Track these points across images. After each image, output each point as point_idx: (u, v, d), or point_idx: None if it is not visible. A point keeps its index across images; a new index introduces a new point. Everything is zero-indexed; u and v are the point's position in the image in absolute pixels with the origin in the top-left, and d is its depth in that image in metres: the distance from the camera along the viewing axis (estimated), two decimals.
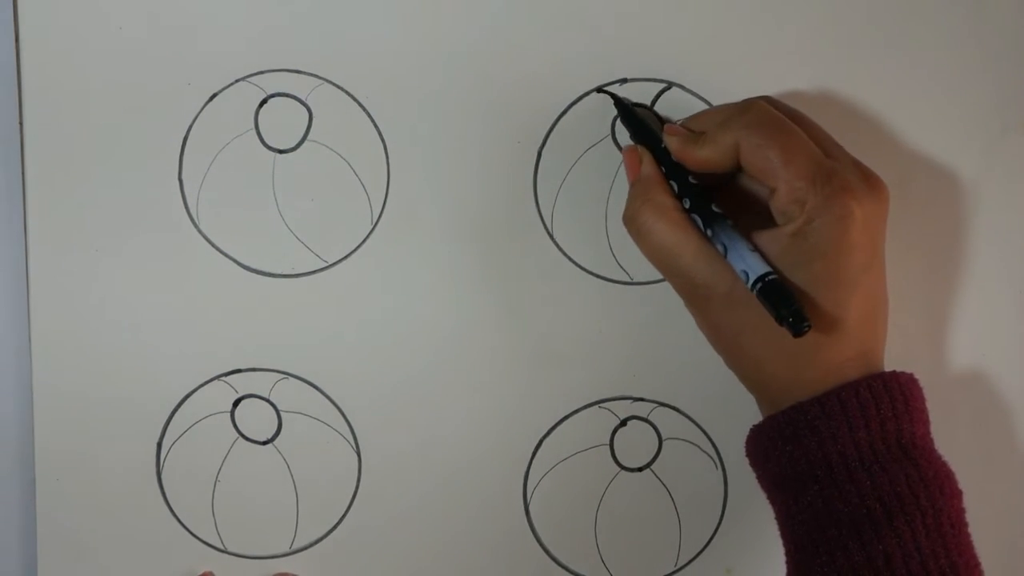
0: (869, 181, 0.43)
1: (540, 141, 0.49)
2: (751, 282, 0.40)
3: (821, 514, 0.42)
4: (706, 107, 0.49)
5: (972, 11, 0.49)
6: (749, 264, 0.41)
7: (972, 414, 0.52)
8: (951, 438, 0.51)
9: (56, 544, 0.51)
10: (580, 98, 0.49)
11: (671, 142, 0.45)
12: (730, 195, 0.45)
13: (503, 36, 0.48)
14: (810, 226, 0.41)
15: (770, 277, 0.40)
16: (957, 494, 0.42)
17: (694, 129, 0.45)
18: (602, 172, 0.49)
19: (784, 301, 0.39)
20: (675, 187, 0.44)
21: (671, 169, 0.45)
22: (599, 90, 0.48)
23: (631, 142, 0.47)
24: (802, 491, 0.42)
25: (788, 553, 0.44)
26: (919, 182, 0.50)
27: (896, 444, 0.42)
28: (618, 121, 0.49)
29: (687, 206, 0.44)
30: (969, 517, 0.43)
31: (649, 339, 0.51)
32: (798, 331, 0.39)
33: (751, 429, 0.45)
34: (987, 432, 0.52)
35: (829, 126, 0.49)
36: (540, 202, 0.50)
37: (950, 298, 0.51)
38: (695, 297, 0.44)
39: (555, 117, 0.49)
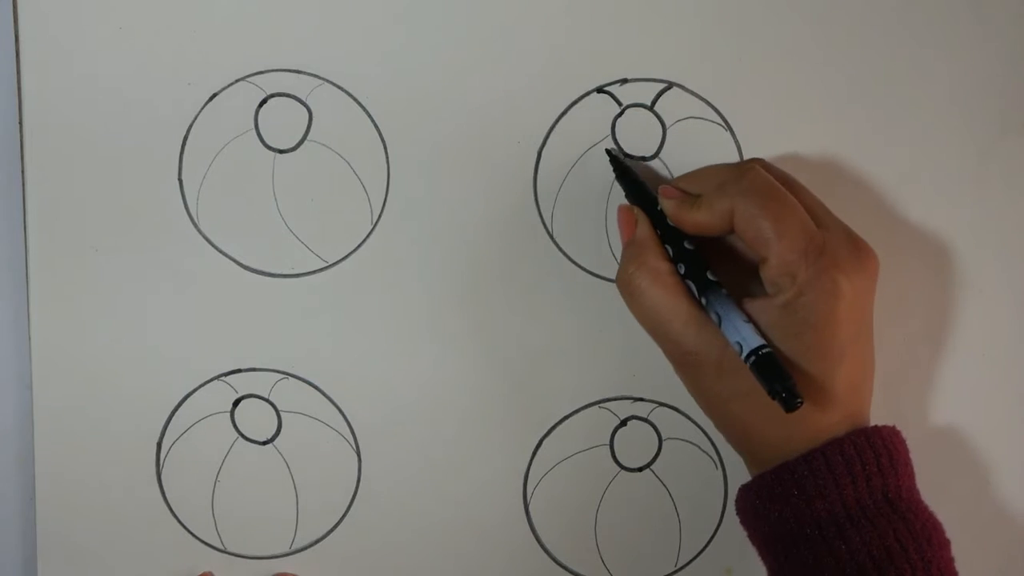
0: (859, 253, 0.43)
1: (540, 141, 0.49)
2: (745, 354, 0.41)
3: (812, 573, 0.42)
4: (705, 105, 0.49)
5: (972, 11, 0.49)
6: (743, 336, 0.41)
7: (973, 414, 0.52)
8: (959, 445, 0.51)
9: (56, 544, 0.51)
10: (580, 98, 0.49)
11: (667, 205, 0.45)
12: (718, 248, 0.46)
13: (503, 36, 0.48)
14: (800, 300, 0.41)
15: (764, 351, 0.40)
16: (945, 544, 0.43)
17: (689, 189, 0.45)
18: (602, 172, 0.49)
19: (778, 376, 0.40)
20: (670, 251, 0.45)
21: (666, 232, 0.45)
22: (607, 151, 0.49)
23: (625, 201, 0.48)
24: (792, 550, 0.43)
25: None
26: (919, 182, 0.50)
27: (883, 498, 0.42)
28: (618, 121, 0.49)
29: (682, 272, 0.44)
30: (960, 566, 0.43)
31: (649, 339, 0.51)
32: (791, 407, 0.39)
33: (740, 489, 0.46)
34: (987, 434, 0.52)
35: (829, 127, 0.49)
36: (540, 202, 0.50)
37: (950, 298, 0.51)
38: (685, 363, 0.44)
39: (555, 117, 0.49)
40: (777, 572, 0.44)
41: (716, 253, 0.46)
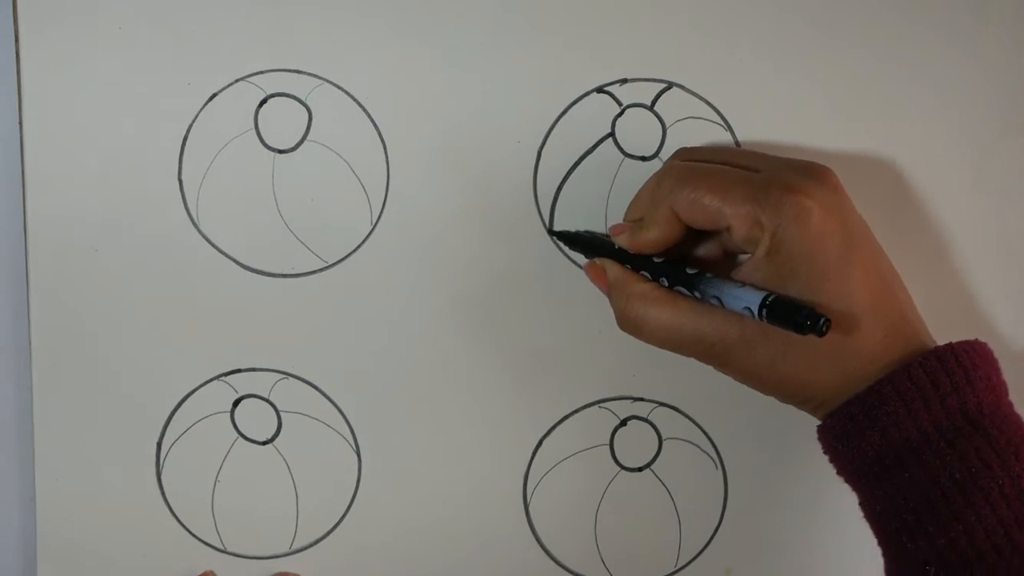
0: (808, 171, 0.43)
1: (540, 141, 0.49)
2: (756, 312, 0.40)
3: (898, 502, 0.41)
4: (705, 105, 0.49)
5: (972, 11, 0.49)
6: (745, 298, 0.41)
7: None
8: None
9: (56, 544, 0.51)
10: (580, 98, 0.49)
11: (621, 240, 0.46)
12: (694, 256, 0.46)
13: (503, 36, 0.48)
14: (775, 238, 0.41)
15: (769, 299, 0.40)
16: None
17: (634, 217, 0.46)
18: (602, 172, 0.49)
19: (794, 311, 0.39)
20: (648, 276, 0.45)
21: (635, 263, 0.46)
22: (550, 232, 0.50)
23: (587, 262, 0.48)
24: (876, 481, 0.42)
25: (879, 543, 0.43)
26: (919, 182, 0.50)
27: (962, 417, 0.41)
28: (618, 121, 0.49)
29: (667, 284, 0.44)
30: None
31: None
32: (820, 330, 0.39)
33: (818, 429, 0.45)
34: None
35: (828, 126, 0.49)
36: (540, 202, 0.50)
37: (950, 298, 0.51)
38: (717, 356, 0.44)
39: (555, 117, 0.49)
40: (867, 506, 0.44)
41: (693, 260, 0.46)
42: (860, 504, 0.44)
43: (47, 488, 0.51)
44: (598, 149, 0.49)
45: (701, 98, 0.49)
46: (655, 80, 0.49)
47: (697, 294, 0.43)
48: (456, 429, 0.51)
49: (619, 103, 0.49)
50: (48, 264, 0.49)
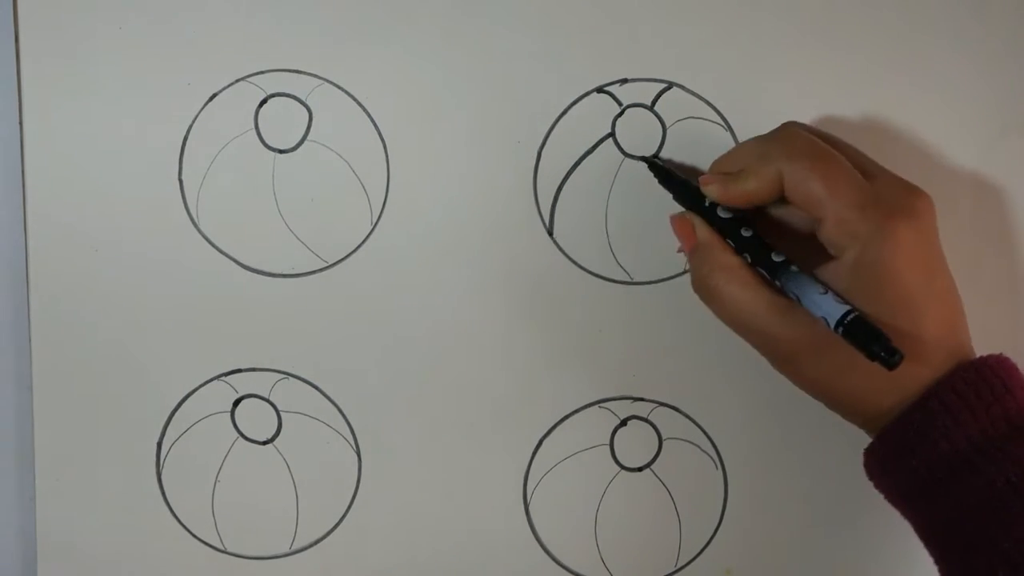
0: (911, 196, 0.42)
1: (540, 141, 0.49)
2: (834, 325, 0.40)
3: (956, 514, 0.41)
4: (705, 105, 0.49)
5: (972, 11, 0.49)
6: (826, 308, 0.40)
7: None
8: None
9: (56, 544, 0.51)
10: (580, 98, 0.49)
11: (711, 191, 0.44)
12: (774, 227, 0.45)
13: (503, 36, 0.48)
14: (866, 256, 0.41)
15: (850, 316, 0.39)
16: None
17: (729, 169, 0.45)
18: (602, 172, 0.49)
19: (872, 338, 0.39)
20: (733, 245, 0.44)
21: (724, 229, 0.44)
22: (644, 159, 0.49)
23: (675, 212, 0.47)
24: (931, 499, 0.42)
25: (940, 564, 0.43)
26: (919, 182, 0.50)
27: (1005, 424, 0.41)
28: (618, 121, 0.49)
29: (749, 261, 0.43)
30: None
31: (649, 339, 0.51)
32: (892, 364, 0.38)
33: (865, 453, 0.45)
34: None
35: (828, 127, 0.49)
36: (540, 202, 0.50)
37: None
38: (780, 356, 0.44)
39: (555, 117, 0.49)
40: (924, 527, 0.43)
41: (773, 232, 0.45)
42: (916, 528, 0.44)
43: (47, 488, 0.51)
44: (598, 149, 0.49)
45: (701, 98, 0.49)
46: (655, 80, 0.49)
47: (777, 283, 0.42)
48: (456, 429, 0.51)
49: (619, 103, 0.49)
50: (48, 264, 0.49)
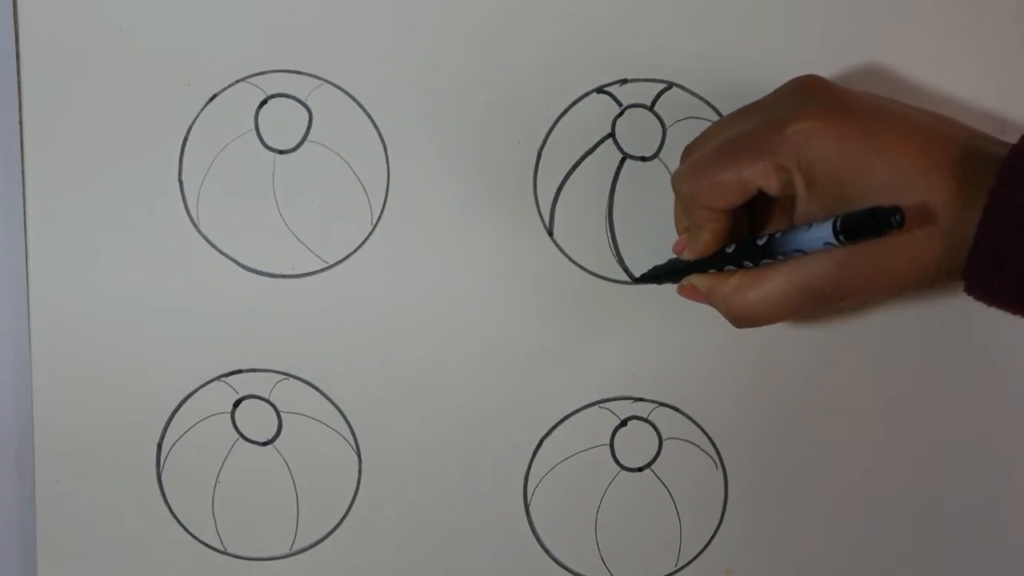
0: (787, 95, 0.43)
1: (540, 141, 0.49)
2: (835, 240, 0.39)
3: None
4: (705, 105, 0.49)
5: (972, 11, 0.49)
6: (819, 235, 0.40)
7: (974, 415, 0.52)
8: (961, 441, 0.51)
9: (56, 545, 0.51)
10: (580, 98, 0.49)
11: (685, 255, 0.46)
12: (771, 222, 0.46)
13: (503, 36, 0.48)
14: (804, 170, 0.41)
15: (838, 222, 0.39)
16: None
17: (681, 228, 0.47)
18: (602, 172, 0.50)
19: (864, 220, 0.38)
20: (734, 268, 0.45)
21: (716, 265, 0.45)
22: (634, 281, 0.50)
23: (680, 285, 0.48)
24: None
25: None
26: None
27: None
28: (618, 121, 0.49)
29: (752, 265, 0.44)
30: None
31: (649, 339, 0.51)
32: (900, 223, 0.38)
33: (968, 291, 0.42)
34: (986, 434, 0.52)
35: None
36: (540, 202, 0.50)
37: (950, 298, 0.51)
38: (831, 297, 0.43)
39: (555, 117, 0.49)
40: None
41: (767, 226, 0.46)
42: None
43: (47, 488, 0.51)
44: (598, 149, 0.49)
45: (701, 98, 0.49)
46: (655, 80, 0.49)
47: (780, 256, 0.43)
48: (456, 429, 0.51)
49: (619, 103, 0.49)
50: (48, 264, 0.49)
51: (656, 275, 0.49)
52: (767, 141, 0.41)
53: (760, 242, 0.43)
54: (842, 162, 0.41)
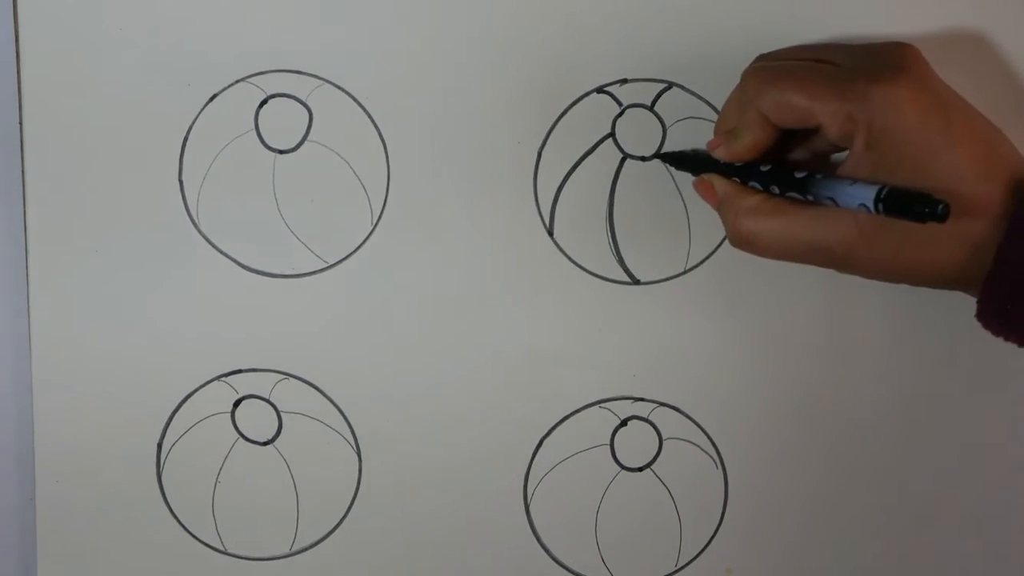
0: (892, 56, 0.42)
1: (540, 141, 0.49)
2: (873, 207, 0.39)
3: None
4: (705, 105, 0.49)
5: (972, 11, 0.49)
6: (859, 195, 0.40)
7: (973, 417, 0.52)
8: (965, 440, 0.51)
9: (56, 544, 0.51)
10: (580, 98, 0.49)
11: (718, 153, 0.45)
12: (805, 162, 0.46)
13: (503, 36, 0.48)
14: (871, 131, 0.40)
15: (884, 191, 0.39)
16: None
17: (726, 128, 0.45)
18: (602, 172, 0.50)
19: (912, 200, 0.38)
20: (758, 187, 0.44)
21: (743, 175, 0.45)
22: (656, 156, 0.49)
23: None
24: None
25: None
26: None
27: None
28: (618, 121, 0.49)
29: (777, 192, 0.43)
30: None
31: (649, 339, 0.51)
32: (942, 216, 0.38)
33: (979, 316, 0.42)
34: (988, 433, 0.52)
35: None
36: (540, 202, 0.50)
37: (951, 298, 0.51)
38: (838, 259, 0.43)
39: (555, 117, 0.49)
40: None
41: (794, 164, 0.46)
42: None
43: (47, 488, 0.51)
44: (598, 149, 0.49)
45: (701, 98, 0.49)
46: (655, 80, 0.49)
47: (810, 197, 0.42)
48: (456, 429, 0.51)
49: (619, 103, 0.49)
50: (48, 263, 0.49)
51: (677, 158, 0.48)
52: (852, 87, 0.41)
53: (799, 175, 0.42)
54: (911, 139, 0.40)
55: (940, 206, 0.37)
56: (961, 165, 0.41)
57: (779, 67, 0.44)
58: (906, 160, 0.40)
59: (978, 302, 0.42)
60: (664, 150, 0.49)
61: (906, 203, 0.38)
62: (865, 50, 0.43)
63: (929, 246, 0.41)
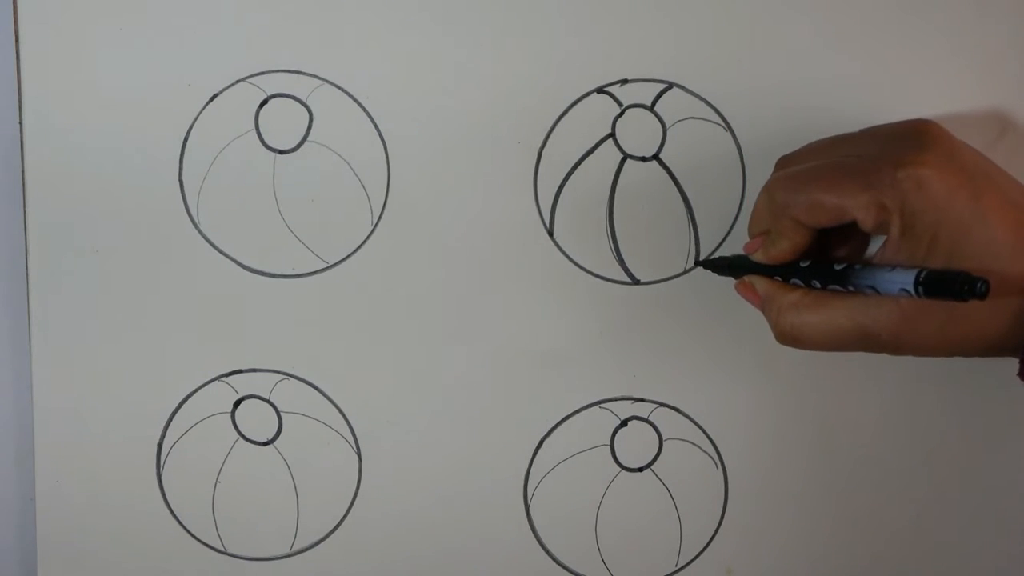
0: (910, 135, 0.42)
1: (540, 141, 0.49)
2: (913, 291, 0.40)
3: None
4: (705, 105, 0.49)
5: (972, 11, 0.49)
6: (899, 280, 0.40)
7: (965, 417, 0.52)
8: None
9: (56, 545, 0.51)
10: (580, 98, 0.49)
11: (757, 257, 0.46)
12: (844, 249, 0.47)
13: (503, 36, 0.48)
14: (904, 216, 0.41)
15: (923, 275, 0.39)
16: None
17: (757, 230, 0.46)
18: (602, 172, 0.50)
19: (950, 281, 0.38)
20: (800, 283, 0.45)
21: (784, 273, 0.45)
22: (698, 264, 0.50)
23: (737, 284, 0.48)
24: None
25: None
26: None
27: None
28: (618, 121, 0.49)
29: (819, 286, 0.44)
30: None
31: (649, 339, 0.51)
32: (983, 294, 0.38)
33: (1021, 365, 0.43)
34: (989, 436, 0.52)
35: (828, 127, 0.49)
36: (540, 202, 0.50)
37: None
38: (886, 344, 0.43)
39: (555, 117, 0.49)
40: None
41: (835, 252, 0.46)
42: None
43: (47, 488, 0.51)
44: (598, 149, 0.49)
45: (701, 98, 0.49)
46: (655, 80, 0.49)
47: (851, 287, 0.42)
48: (456, 429, 0.51)
49: (619, 103, 0.49)
50: (48, 264, 0.49)
51: (719, 264, 0.49)
52: (878, 177, 0.41)
53: (838, 267, 0.43)
54: (945, 218, 0.40)
55: (979, 284, 0.38)
56: (995, 238, 0.41)
57: (803, 171, 0.43)
58: (941, 240, 0.40)
59: (1021, 361, 0.42)
60: (666, 147, 0.49)
61: (945, 284, 0.38)
62: (886, 134, 0.43)
63: (972, 321, 0.42)
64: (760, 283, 0.46)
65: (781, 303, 0.45)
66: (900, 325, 0.42)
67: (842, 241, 0.47)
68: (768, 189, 0.45)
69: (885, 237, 0.42)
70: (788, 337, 0.45)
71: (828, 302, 0.43)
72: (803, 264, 0.45)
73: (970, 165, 0.42)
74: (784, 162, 0.47)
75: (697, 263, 0.50)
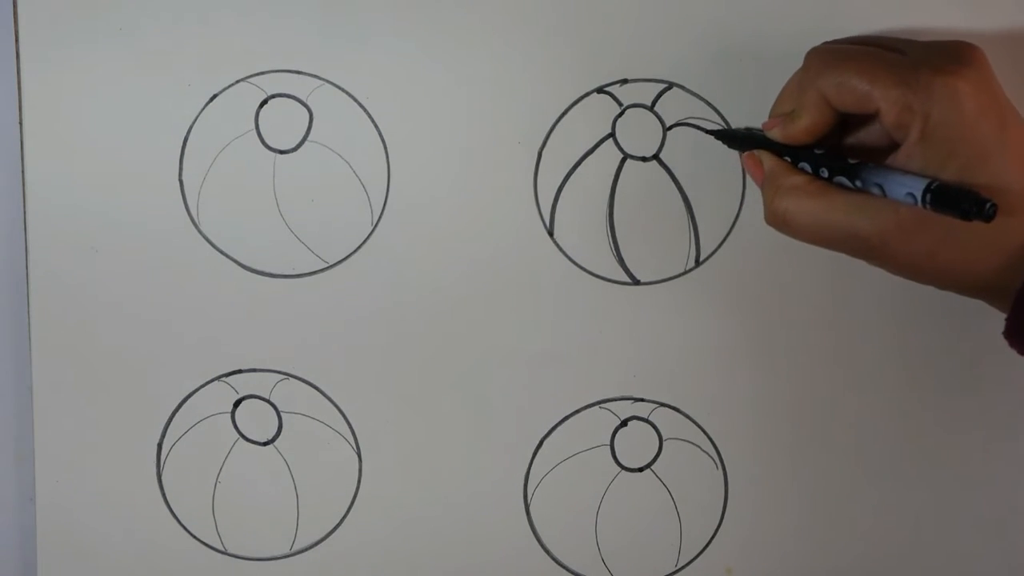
0: (957, 52, 0.42)
1: (540, 141, 0.49)
2: (919, 199, 0.39)
3: None
4: (705, 105, 0.49)
5: (972, 11, 0.49)
6: (909, 185, 0.39)
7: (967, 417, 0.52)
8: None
9: (56, 544, 0.51)
10: (580, 98, 0.49)
11: (774, 134, 0.45)
12: (846, 147, 0.46)
13: (503, 36, 0.48)
14: (928, 123, 0.40)
15: (934, 185, 0.39)
16: None
17: (783, 110, 0.45)
18: (602, 172, 0.50)
19: (960, 196, 0.38)
20: (808, 168, 0.44)
21: (795, 156, 0.45)
22: (710, 132, 0.49)
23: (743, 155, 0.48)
24: None
25: None
26: None
27: None
28: (618, 121, 0.49)
29: (827, 175, 0.43)
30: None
31: (649, 339, 0.51)
32: (988, 215, 0.38)
33: (1007, 333, 0.42)
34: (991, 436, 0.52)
35: None
36: (540, 202, 0.50)
37: (951, 298, 0.51)
38: (872, 249, 0.43)
39: (555, 117, 0.49)
40: None
41: (847, 152, 0.45)
42: None
43: (47, 488, 0.51)
44: (598, 149, 0.49)
45: (701, 98, 0.49)
46: (655, 80, 0.49)
47: (859, 183, 0.42)
48: (456, 429, 0.51)
49: (619, 103, 0.49)
50: (48, 264, 0.49)
51: (730, 136, 0.48)
52: (914, 76, 0.41)
53: (852, 161, 0.42)
54: (968, 136, 0.40)
55: (988, 205, 0.37)
56: (1011, 170, 0.40)
57: (843, 50, 0.44)
58: (958, 156, 0.40)
59: (1007, 318, 0.42)
60: (666, 147, 0.49)
61: (954, 199, 0.38)
62: (932, 44, 0.43)
63: (966, 247, 0.41)
64: (768, 159, 0.46)
65: (783, 183, 0.44)
66: (893, 234, 0.41)
67: (855, 145, 0.46)
68: (805, 61, 0.45)
69: (899, 148, 0.41)
70: (779, 219, 0.44)
71: (829, 193, 0.43)
72: (818, 151, 0.44)
73: (1001, 97, 0.42)
74: (834, 41, 0.46)
75: (707, 131, 0.49)
